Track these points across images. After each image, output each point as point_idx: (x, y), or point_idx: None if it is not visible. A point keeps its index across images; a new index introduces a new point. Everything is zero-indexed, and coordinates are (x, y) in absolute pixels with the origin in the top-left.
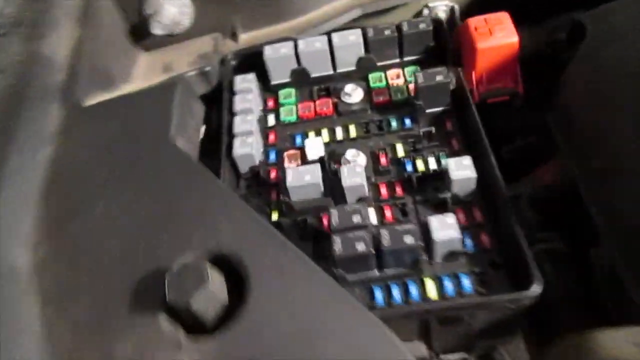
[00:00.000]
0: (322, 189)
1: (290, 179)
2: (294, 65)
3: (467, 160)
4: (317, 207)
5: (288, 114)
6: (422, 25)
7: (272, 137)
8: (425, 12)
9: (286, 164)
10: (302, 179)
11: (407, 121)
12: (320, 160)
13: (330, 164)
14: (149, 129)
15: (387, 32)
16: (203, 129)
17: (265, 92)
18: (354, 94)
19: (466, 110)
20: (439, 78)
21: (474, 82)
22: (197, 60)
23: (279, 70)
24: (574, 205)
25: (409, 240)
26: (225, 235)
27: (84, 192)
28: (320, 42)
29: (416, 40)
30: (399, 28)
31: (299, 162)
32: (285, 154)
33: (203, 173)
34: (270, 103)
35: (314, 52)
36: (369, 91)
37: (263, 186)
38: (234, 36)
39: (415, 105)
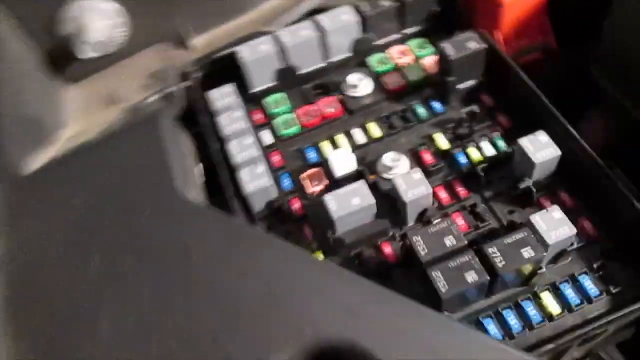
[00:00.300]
0: (375, 210)
1: (336, 208)
2: (278, 65)
3: (543, 137)
4: (373, 235)
5: (287, 125)
6: None
7: (277, 159)
8: None
9: (310, 188)
10: (350, 204)
11: (437, 105)
12: (358, 175)
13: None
14: (143, 189)
15: (384, 3)
16: (201, 167)
17: (246, 104)
18: (361, 84)
19: (511, 78)
20: (472, 45)
21: (501, 44)
22: (150, 82)
23: (260, 73)
24: None
25: (528, 253)
26: (324, 318)
27: (75, 298)
28: (308, 29)
29: (419, 8)
30: None
31: (326, 181)
32: (303, 175)
33: (256, 234)
34: (258, 116)
35: (302, 44)
36: (376, 78)
37: (287, 223)
38: (183, 44)
39: (443, 83)
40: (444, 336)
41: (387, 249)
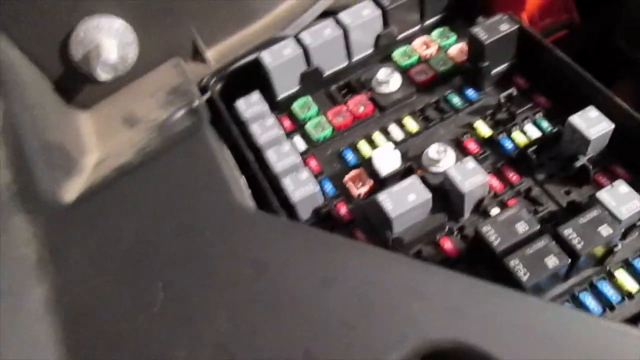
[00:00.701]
0: (431, 205)
1: (392, 207)
2: (303, 67)
3: (593, 112)
4: (430, 231)
5: (319, 129)
6: None
7: (313, 164)
8: None
9: (355, 190)
10: (406, 201)
11: (470, 92)
12: (407, 171)
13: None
14: (202, 206)
15: None
16: (244, 179)
17: (272, 111)
18: (391, 80)
19: (546, 57)
20: (504, 27)
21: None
22: (171, 98)
23: (285, 78)
24: None
25: (605, 231)
26: (427, 320)
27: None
28: (330, 28)
29: None
30: None
31: (370, 181)
32: (346, 178)
33: (336, 240)
34: (286, 123)
35: (326, 43)
36: (403, 72)
37: (336, 229)
38: (198, 56)
39: (475, 69)
40: (557, 323)
41: (447, 244)
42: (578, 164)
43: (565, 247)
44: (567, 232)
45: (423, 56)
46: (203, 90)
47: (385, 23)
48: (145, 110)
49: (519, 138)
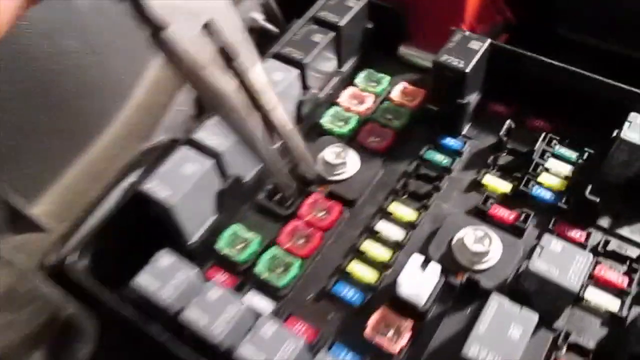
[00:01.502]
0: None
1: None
2: (216, 183)
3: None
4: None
5: (278, 269)
6: (351, 3)
7: (302, 329)
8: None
9: (391, 344)
10: (511, 335)
11: (449, 142)
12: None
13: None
14: None
15: (319, 39)
16: None
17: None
18: (347, 159)
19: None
20: (475, 46)
21: None
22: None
23: (195, 209)
24: None
25: None
26: None
27: None
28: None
29: (354, 32)
30: (332, 25)
31: (407, 321)
32: (368, 331)
33: None
34: (220, 276)
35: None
36: (349, 143)
37: None
38: (20, 222)
39: (449, 110)
40: None
41: None
42: None
43: None
44: None
45: (362, 113)
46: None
47: (304, 83)
48: None
49: (551, 181)
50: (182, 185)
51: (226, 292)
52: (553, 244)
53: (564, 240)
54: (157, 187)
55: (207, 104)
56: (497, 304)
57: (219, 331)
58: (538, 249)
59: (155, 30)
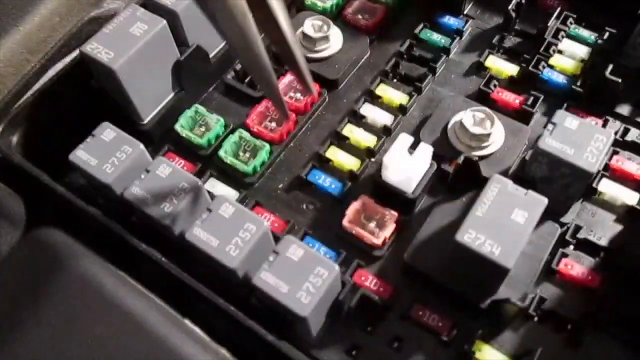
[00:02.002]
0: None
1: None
2: (174, 54)
3: None
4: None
5: (245, 154)
6: None
7: (270, 220)
8: None
9: (372, 237)
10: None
11: (449, 20)
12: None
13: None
14: None
15: None
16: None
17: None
18: (330, 34)
19: None
20: None
21: None
22: None
23: (147, 80)
24: None
25: None
26: None
27: None
28: None
29: None
30: None
31: (391, 213)
32: (345, 222)
33: None
34: (178, 163)
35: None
36: (335, 19)
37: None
38: None
39: None
40: None
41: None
42: None
43: None
44: None
45: None
46: None
47: None
48: None
49: (564, 63)
50: (128, 47)
51: (177, 168)
52: (568, 120)
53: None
54: (99, 48)
55: (231, 41)
56: (499, 185)
57: (169, 211)
58: (550, 126)
59: None
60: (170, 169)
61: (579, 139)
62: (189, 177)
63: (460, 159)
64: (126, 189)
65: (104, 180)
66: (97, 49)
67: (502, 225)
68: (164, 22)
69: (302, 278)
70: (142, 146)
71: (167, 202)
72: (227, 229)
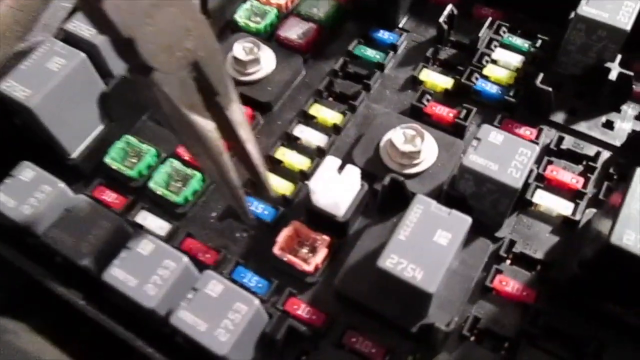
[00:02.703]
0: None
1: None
2: (99, 85)
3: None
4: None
5: (177, 183)
6: None
7: (202, 252)
8: None
9: (303, 264)
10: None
11: (383, 35)
12: (392, 189)
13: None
14: None
15: None
16: None
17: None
18: (261, 57)
19: None
20: None
21: None
22: None
23: (71, 118)
24: None
25: None
26: None
27: None
28: None
29: None
30: None
31: (323, 238)
32: (276, 249)
33: None
34: (109, 198)
35: None
36: (268, 40)
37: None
38: None
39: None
40: None
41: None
42: (612, 75)
43: None
44: None
45: (282, 6)
46: None
47: None
48: None
49: (499, 73)
50: (46, 83)
51: (97, 206)
52: (492, 135)
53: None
54: (15, 85)
55: (182, 140)
56: (421, 207)
57: (88, 250)
58: (474, 142)
59: (143, 70)
60: (91, 207)
61: (504, 154)
62: (109, 215)
63: (386, 181)
64: (45, 230)
65: (20, 221)
66: (12, 86)
67: (425, 248)
68: (83, 55)
69: (221, 315)
70: (62, 184)
71: (86, 241)
72: (145, 267)
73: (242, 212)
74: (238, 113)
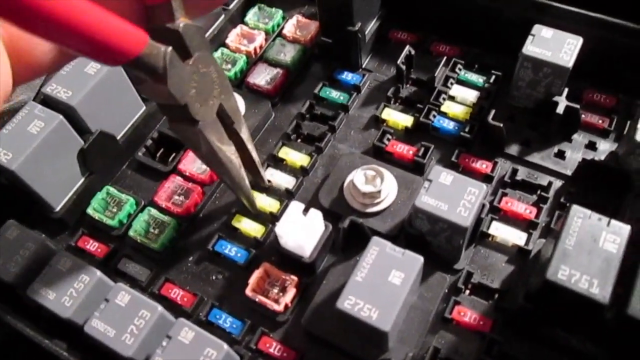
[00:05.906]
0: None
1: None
2: (76, 143)
3: (546, 31)
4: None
5: (153, 230)
6: None
7: (179, 296)
8: None
9: (274, 304)
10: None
11: (347, 76)
12: (350, 229)
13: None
14: None
15: None
16: None
17: (52, 239)
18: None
19: None
20: None
21: None
22: None
23: (52, 174)
24: None
25: None
26: None
27: None
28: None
29: None
30: None
31: (291, 277)
32: (248, 291)
33: None
34: (91, 247)
35: (101, 86)
36: (239, 87)
37: None
38: None
39: (342, 40)
40: None
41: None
42: (560, 108)
43: None
44: None
45: (251, 53)
46: None
47: None
48: None
49: (456, 110)
50: (25, 146)
51: (77, 261)
52: (443, 176)
53: (457, 172)
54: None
55: (210, 165)
56: (377, 248)
57: (69, 304)
58: (426, 183)
59: (190, 122)
60: (71, 263)
61: (453, 194)
62: (90, 269)
63: (346, 223)
64: (29, 287)
65: (6, 279)
66: None
67: (380, 288)
68: (60, 117)
69: None
70: (46, 241)
71: (67, 296)
72: (123, 317)
73: (252, 207)
74: (246, 132)
